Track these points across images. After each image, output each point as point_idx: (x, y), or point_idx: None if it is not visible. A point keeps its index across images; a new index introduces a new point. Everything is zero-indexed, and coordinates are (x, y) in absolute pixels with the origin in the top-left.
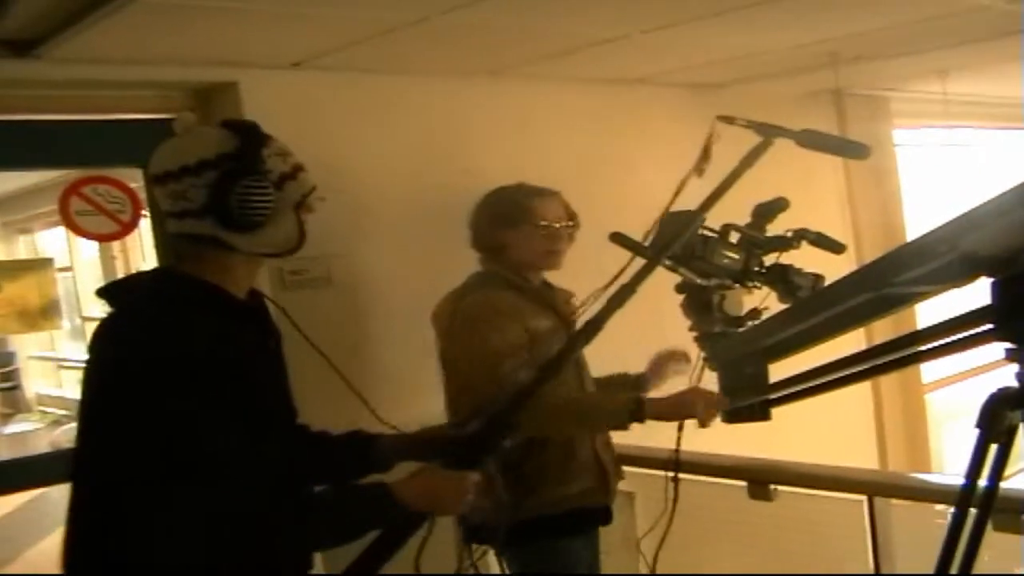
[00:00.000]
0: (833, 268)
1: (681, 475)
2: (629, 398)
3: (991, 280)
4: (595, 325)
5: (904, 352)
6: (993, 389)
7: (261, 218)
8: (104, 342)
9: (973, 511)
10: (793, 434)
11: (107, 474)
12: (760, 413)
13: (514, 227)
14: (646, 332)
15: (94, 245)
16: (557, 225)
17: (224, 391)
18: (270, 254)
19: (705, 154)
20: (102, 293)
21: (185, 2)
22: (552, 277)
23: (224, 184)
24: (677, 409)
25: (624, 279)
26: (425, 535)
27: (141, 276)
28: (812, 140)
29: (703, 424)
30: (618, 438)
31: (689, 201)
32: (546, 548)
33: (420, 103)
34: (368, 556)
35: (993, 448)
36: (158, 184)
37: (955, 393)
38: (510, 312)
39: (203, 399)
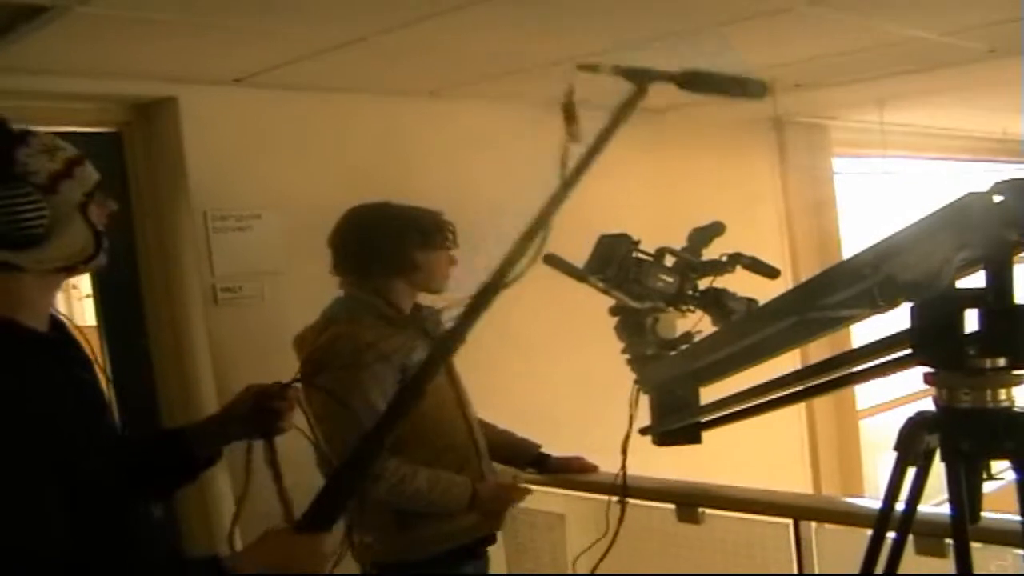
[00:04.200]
0: (771, 294)
1: (611, 497)
2: (465, 489)
3: (910, 305)
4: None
5: (828, 376)
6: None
7: (38, 229)
8: None
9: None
10: (730, 459)
11: None
12: (691, 436)
13: (429, 248)
14: (579, 353)
15: None
16: (455, 251)
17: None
18: (64, 268)
19: (568, 115)
20: None
21: (124, 15)
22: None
23: None
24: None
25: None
26: None
27: None
28: (696, 82)
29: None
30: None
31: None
32: None
33: (360, 121)
34: None
35: (911, 472)
36: None
37: (894, 420)
38: (381, 359)
39: None
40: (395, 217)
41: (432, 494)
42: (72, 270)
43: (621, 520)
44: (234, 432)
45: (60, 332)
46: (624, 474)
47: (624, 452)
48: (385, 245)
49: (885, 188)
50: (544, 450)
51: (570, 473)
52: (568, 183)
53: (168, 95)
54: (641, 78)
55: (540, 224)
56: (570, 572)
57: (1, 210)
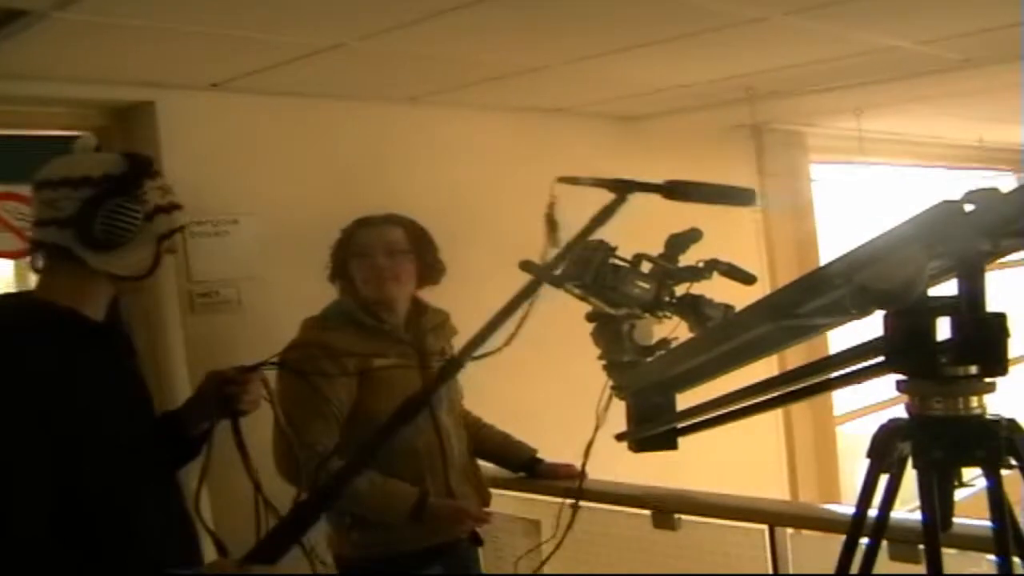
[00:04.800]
0: (749, 300)
1: (586, 503)
2: (406, 500)
3: (883, 313)
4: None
5: (802, 383)
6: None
7: (121, 240)
8: None
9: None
10: (708, 466)
11: None
12: (667, 442)
13: (349, 258)
14: (563, 358)
15: (8, 263)
16: (374, 255)
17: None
18: (119, 276)
19: (549, 224)
20: None
21: (102, 20)
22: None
23: (97, 200)
24: (453, 519)
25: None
26: None
27: None
28: (683, 191)
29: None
30: None
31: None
32: None
33: (338, 127)
34: None
35: (884, 479)
36: (36, 191)
37: (873, 425)
38: (335, 361)
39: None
40: (346, 228)
41: (371, 499)
42: (122, 279)
43: (571, 524)
44: (201, 414)
45: (115, 326)
46: (582, 478)
47: (586, 455)
48: (330, 262)
49: (863, 195)
50: (539, 455)
51: (559, 479)
52: (541, 278)
53: (145, 99)
54: (620, 188)
55: (510, 310)
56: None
57: (108, 212)
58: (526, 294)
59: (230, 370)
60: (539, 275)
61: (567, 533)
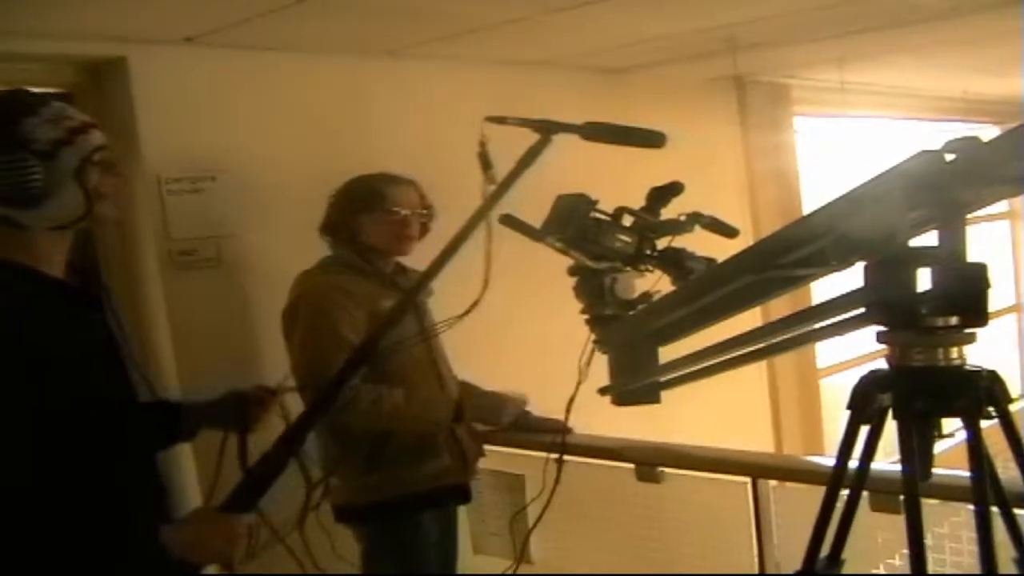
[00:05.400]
0: (731, 253)
1: (569, 458)
2: (446, 404)
3: (864, 264)
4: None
5: (783, 335)
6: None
7: (34, 191)
8: None
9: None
10: (692, 419)
11: None
12: (650, 396)
13: (367, 212)
14: (540, 314)
15: None
16: (407, 212)
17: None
18: (60, 227)
19: (483, 161)
20: None
21: None
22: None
23: None
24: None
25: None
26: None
27: None
28: (597, 132)
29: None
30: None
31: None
32: (401, 527)
33: (316, 82)
34: None
35: (864, 430)
36: None
37: (857, 378)
38: (349, 297)
39: None
40: (348, 184)
41: (411, 408)
42: (66, 228)
43: (557, 479)
44: (214, 420)
45: (80, 280)
46: (564, 432)
47: (568, 410)
48: (333, 213)
49: (847, 147)
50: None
51: (546, 434)
52: (480, 214)
53: (118, 55)
54: (544, 128)
55: (461, 238)
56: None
57: (1, 173)
58: (469, 228)
59: (253, 389)
60: (521, 229)
61: (555, 489)
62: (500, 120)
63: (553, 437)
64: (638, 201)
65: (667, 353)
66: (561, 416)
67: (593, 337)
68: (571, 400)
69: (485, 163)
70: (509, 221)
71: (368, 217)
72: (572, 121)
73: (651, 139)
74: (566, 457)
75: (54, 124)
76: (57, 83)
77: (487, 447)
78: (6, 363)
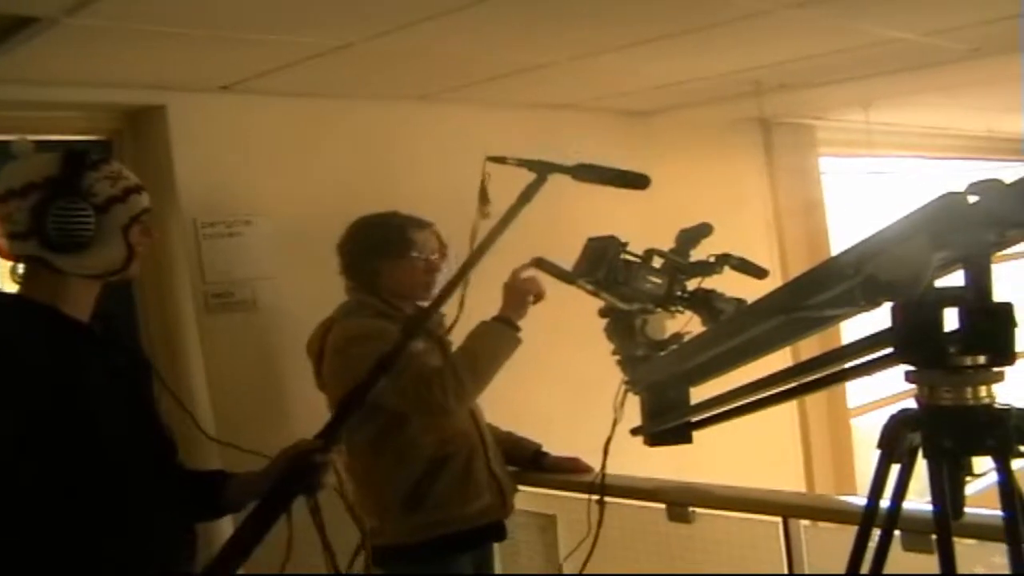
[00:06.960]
0: (760, 294)
1: (591, 496)
2: (503, 324)
3: (891, 304)
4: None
5: (812, 375)
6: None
7: (82, 239)
8: None
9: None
10: (724, 459)
11: None
12: (682, 436)
13: (391, 257)
14: (571, 354)
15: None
16: (434, 257)
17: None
18: (96, 276)
19: (482, 196)
20: None
21: (111, 26)
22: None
23: (43, 205)
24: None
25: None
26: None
27: None
28: (587, 173)
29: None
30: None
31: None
32: (441, 566)
33: (348, 127)
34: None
35: (896, 469)
36: None
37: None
38: (378, 337)
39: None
40: (367, 227)
41: (479, 347)
42: (101, 278)
43: (600, 521)
44: (260, 489)
45: (104, 326)
46: (603, 474)
47: (605, 452)
48: (354, 257)
49: (872, 187)
50: (543, 449)
51: (564, 473)
52: (479, 253)
53: (156, 103)
54: (540, 169)
55: (459, 279)
56: (561, 573)
57: (57, 216)
58: (470, 264)
59: (309, 441)
60: (552, 272)
61: (599, 531)
62: (500, 160)
63: (579, 476)
64: (667, 243)
65: (698, 393)
66: (587, 457)
67: (625, 378)
68: (608, 441)
69: (483, 197)
70: (541, 264)
71: (394, 263)
72: (599, 163)
73: (637, 181)
74: (595, 496)
75: (112, 181)
76: (97, 130)
77: (521, 488)
78: (8, 392)
